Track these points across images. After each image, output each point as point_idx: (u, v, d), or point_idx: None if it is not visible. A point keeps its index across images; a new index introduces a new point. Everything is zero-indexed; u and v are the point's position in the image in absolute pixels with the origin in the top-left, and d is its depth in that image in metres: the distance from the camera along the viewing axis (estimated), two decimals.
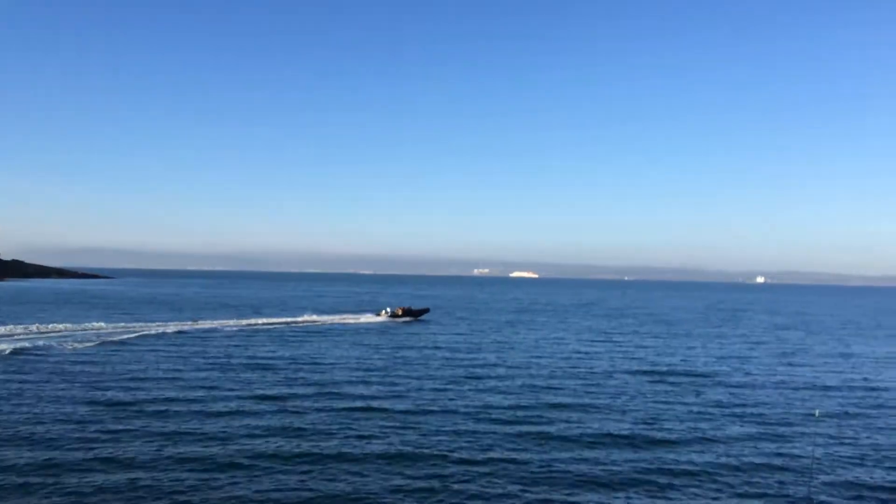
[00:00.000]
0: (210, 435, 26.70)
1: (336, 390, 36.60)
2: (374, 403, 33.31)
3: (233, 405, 32.18)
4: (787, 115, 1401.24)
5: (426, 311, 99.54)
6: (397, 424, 29.11)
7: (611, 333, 75.34)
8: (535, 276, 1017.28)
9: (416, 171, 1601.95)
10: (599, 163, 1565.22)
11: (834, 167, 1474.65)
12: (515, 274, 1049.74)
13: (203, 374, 40.58)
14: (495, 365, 47.53)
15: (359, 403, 33.21)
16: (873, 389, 41.14)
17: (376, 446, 25.68)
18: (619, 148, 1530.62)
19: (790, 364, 52.17)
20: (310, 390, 36.44)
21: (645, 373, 45.22)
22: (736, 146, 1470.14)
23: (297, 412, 31.03)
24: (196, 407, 31.64)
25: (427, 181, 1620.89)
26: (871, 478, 23.50)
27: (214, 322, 75.30)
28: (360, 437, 26.86)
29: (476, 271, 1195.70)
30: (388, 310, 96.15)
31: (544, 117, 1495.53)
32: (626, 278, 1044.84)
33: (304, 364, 45.78)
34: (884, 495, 21.71)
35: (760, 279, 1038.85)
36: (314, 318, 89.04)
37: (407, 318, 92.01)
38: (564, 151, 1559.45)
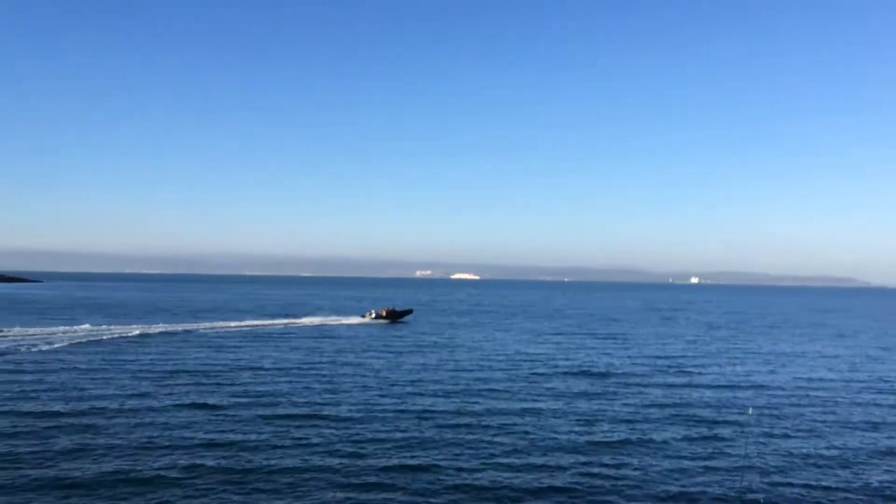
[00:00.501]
0: (140, 446, 25.69)
1: (279, 397, 35.82)
2: (321, 410, 32.72)
3: (165, 414, 31.10)
4: (720, 116, 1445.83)
5: (409, 312, 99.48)
6: (337, 431, 28.61)
7: (552, 334, 76.20)
8: (476, 277, 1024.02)
9: (358, 172, 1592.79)
10: (538, 164, 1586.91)
11: (766, 170, 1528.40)
12: (457, 275, 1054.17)
13: (135, 382, 39.07)
14: (438, 367, 47.35)
15: (303, 410, 32.60)
16: (803, 386, 42.56)
17: (317, 456, 25.19)
18: (556, 150, 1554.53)
19: (724, 363, 53.60)
20: (248, 398, 35.48)
21: (584, 374, 45.71)
22: (669, 149, 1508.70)
23: (232, 420, 30.20)
24: (126, 417, 30.35)
25: (369, 183, 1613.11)
26: (802, 473, 24.17)
27: (158, 326, 73.03)
28: (301, 446, 26.32)
29: (419, 273, 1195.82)
30: (373, 312, 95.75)
31: (484, 119, 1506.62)
32: (566, 279, 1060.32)
33: (250, 369, 44.62)
34: (816, 493, 22.37)
35: (694, 279, 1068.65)
36: (301, 320, 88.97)
37: (389, 320, 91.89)
38: (503, 153, 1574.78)
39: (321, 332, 72.35)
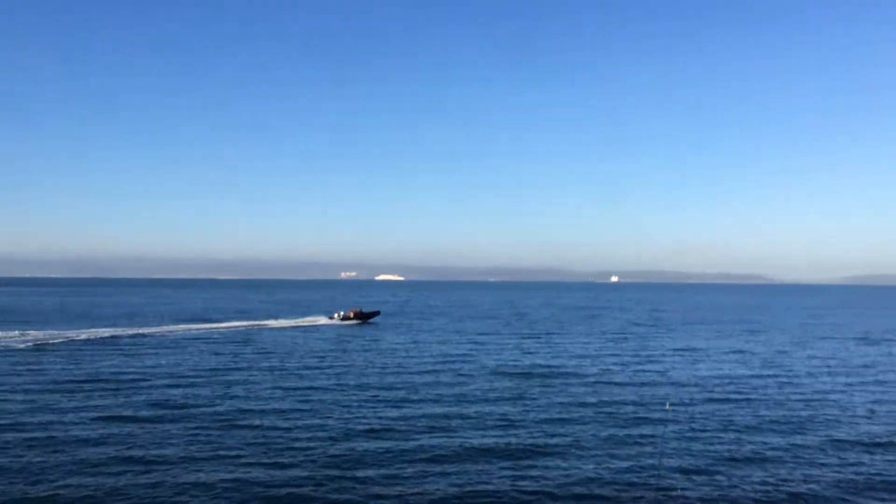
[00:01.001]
0: (39, 468, 24.02)
1: (199, 406, 34.28)
2: (239, 419, 31.48)
3: (71, 429, 29.27)
4: (637, 119, 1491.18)
5: (377, 313, 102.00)
6: (257, 440, 27.61)
7: (476, 335, 76.27)
8: (401, 278, 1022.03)
9: (281, 172, 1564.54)
10: (462, 164, 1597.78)
11: (678, 173, 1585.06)
12: (381, 277, 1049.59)
13: (37, 395, 36.74)
14: (364, 370, 46.56)
15: (224, 419, 31.28)
16: (718, 381, 43.88)
17: (238, 468, 24.12)
18: (480, 148, 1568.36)
19: (644, 360, 54.91)
20: (164, 409, 33.86)
21: (507, 374, 45.76)
22: (588, 151, 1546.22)
23: (148, 433, 28.67)
24: (22, 433, 28.39)
25: (293, 184, 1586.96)
26: (716, 465, 24.75)
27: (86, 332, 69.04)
28: (219, 458, 25.16)
29: (343, 274, 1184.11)
30: (342, 312, 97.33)
31: (404, 119, 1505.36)
32: (490, 279, 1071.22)
33: (171, 377, 42.66)
34: (735, 492, 22.81)
35: (614, 278, 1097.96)
36: (268, 322, 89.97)
37: (358, 321, 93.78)
38: (426, 153, 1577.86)
39: (263, 335, 70.15)
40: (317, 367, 48.18)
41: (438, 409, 34.02)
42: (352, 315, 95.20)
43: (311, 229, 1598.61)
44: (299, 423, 30.79)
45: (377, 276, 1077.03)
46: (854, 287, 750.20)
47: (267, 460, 24.88)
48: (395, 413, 33.00)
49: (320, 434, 28.70)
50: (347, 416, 32.29)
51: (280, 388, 39.84)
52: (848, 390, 41.22)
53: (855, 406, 36.30)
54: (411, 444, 27.35)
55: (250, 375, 44.25)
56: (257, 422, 30.84)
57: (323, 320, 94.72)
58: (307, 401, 35.94)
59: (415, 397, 37.15)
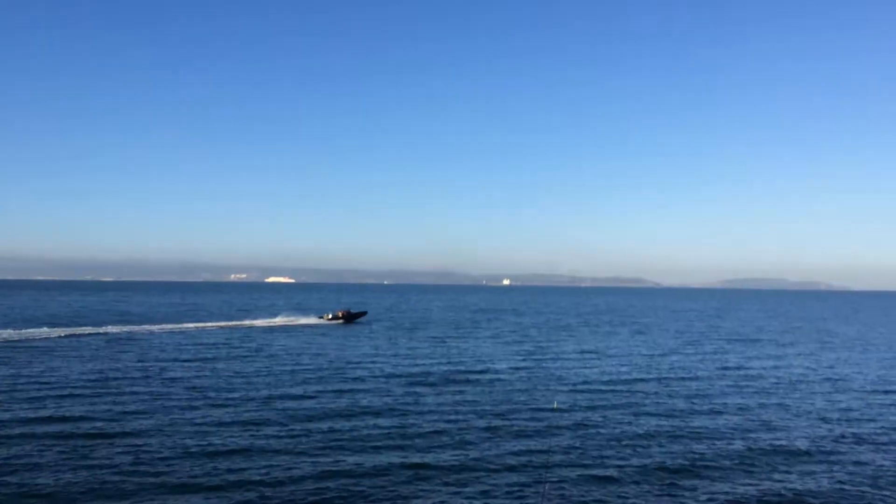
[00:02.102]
0: None
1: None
2: (109, 427, 29.70)
3: None
4: (530, 124, 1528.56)
5: (364, 314, 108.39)
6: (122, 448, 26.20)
7: (371, 337, 75.64)
8: (292, 280, 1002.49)
9: (168, 171, 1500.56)
10: (356, 166, 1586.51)
11: (565, 180, 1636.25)
12: (272, 279, 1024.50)
13: None
14: (253, 376, 45.25)
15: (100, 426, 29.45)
16: (605, 380, 45.78)
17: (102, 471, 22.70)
18: (373, 150, 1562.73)
19: (534, 360, 56.57)
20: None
21: (400, 376, 45.84)
22: (483, 155, 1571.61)
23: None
24: None
25: (181, 184, 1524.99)
26: (600, 460, 25.86)
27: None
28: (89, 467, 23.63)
29: (233, 276, 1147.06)
30: (330, 314, 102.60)
31: (302, 118, 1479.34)
32: (385, 282, 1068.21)
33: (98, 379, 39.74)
34: (610, 475, 24.09)
35: (506, 281, 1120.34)
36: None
37: (346, 321, 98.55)
38: (320, 153, 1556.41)
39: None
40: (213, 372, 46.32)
41: (324, 424, 33.69)
42: (340, 315, 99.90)
43: (199, 230, 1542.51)
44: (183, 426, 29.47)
45: (267, 278, 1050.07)
46: (730, 290, 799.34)
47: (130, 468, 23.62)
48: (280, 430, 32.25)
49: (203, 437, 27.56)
50: (256, 413, 31.21)
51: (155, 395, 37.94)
52: (726, 388, 43.82)
53: (726, 401, 38.71)
54: (302, 460, 26.91)
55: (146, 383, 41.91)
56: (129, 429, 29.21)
57: (313, 320, 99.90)
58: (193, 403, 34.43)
59: (310, 401, 36.62)
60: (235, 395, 38.21)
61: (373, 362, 53.58)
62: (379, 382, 43.60)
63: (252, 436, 28.70)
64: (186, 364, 50.45)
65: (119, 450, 26.20)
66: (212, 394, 38.36)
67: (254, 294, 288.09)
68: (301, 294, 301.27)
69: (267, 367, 49.30)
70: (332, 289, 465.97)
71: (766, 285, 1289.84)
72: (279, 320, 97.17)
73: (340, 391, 39.91)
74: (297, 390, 39.96)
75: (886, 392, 43.23)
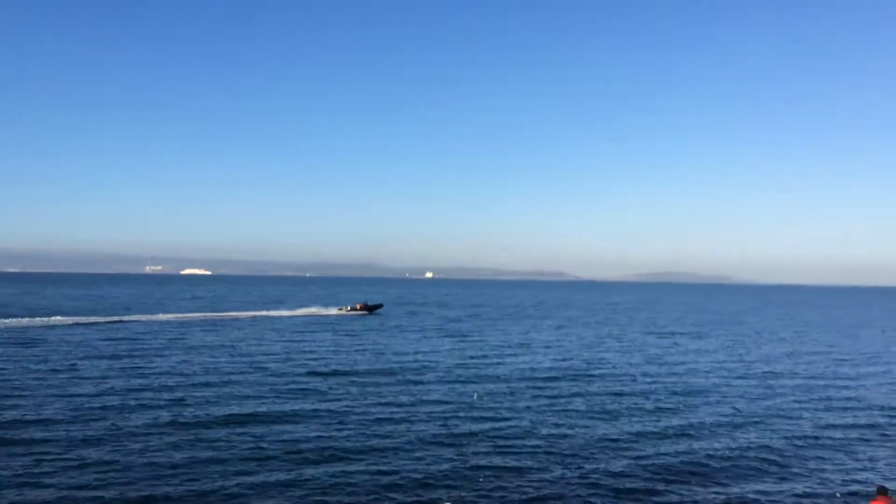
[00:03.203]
0: None
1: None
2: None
3: None
4: (455, 121, 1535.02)
5: (381, 306, 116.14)
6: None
7: (292, 332, 73.86)
8: (208, 272, 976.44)
9: (78, 161, 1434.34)
10: (278, 156, 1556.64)
11: (490, 175, 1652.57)
12: (187, 271, 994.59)
13: None
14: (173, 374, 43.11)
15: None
16: (527, 372, 46.22)
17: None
18: (297, 140, 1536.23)
19: (457, 352, 56.63)
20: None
21: (317, 374, 44.47)
22: (406, 148, 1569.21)
23: None
24: None
25: (92, 173, 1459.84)
26: (517, 449, 26.09)
27: None
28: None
29: (148, 268, 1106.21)
30: (349, 306, 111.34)
31: (222, 111, 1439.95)
32: (307, 275, 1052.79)
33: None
34: (529, 475, 24.22)
35: (429, 274, 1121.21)
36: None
37: (364, 312, 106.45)
38: (235, 144, 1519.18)
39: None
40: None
41: (236, 409, 32.91)
42: (358, 307, 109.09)
43: (113, 221, 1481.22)
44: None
45: (183, 270, 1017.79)
46: (647, 284, 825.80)
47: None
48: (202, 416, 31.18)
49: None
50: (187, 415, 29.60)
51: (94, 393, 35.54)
52: (645, 379, 44.95)
53: (645, 390, 39.72)
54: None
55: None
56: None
57: (334, 311, 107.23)
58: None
59: (237, 399, 35.42)
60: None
61: (286, 358, 52.17)
62: (291, 381, 42.58)
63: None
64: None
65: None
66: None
67: (167, 285, 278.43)
68: (222, 286, 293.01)
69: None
70: (253, 281, 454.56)
71: (679, 279, 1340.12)
72: (301, 311, 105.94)
73: (254, 382, 38.75)
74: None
75: (786, 376, 45.17)
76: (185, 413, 31.28)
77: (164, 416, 30.52)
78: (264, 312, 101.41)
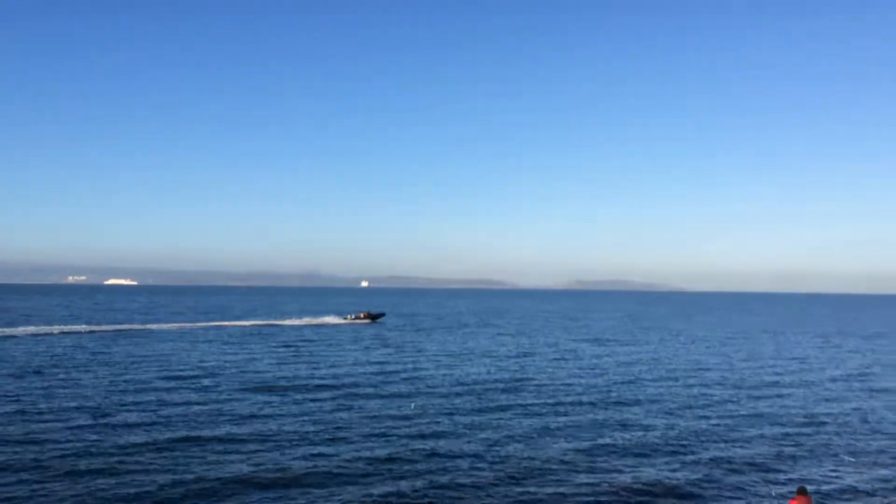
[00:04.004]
0: None
1: None
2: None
3: None
4: (383, 124, 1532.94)
5: (383, 315, 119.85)
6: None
7: (224, 344, 71.91)
8: (134, 283, 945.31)
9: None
10: (208, 163, 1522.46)
11: (426, 182, 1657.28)
12: (112, 281, 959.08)
13: None
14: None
15: None
16: (462, 381, 46.18)
17: None
18: (231, 149, 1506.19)
19: (394, 362, 56.09)
20: None
21: (261, 389, 43.05)
22: (341, 154, 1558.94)
23: None
24: None
25: (3, 178, 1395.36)
26: (458, 466, 25.81)
27: None
28: None
29: (71, 278, 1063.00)
30: (352, 315, 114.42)
31: (129, 109, 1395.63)
32: (244, 284, 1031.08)
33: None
34: (469, 489, 24.01)
35: (364, 283, 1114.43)
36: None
37: (367, 321, 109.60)
38: (166, 146, 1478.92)
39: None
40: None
41: (166, 434, 31.57)
42: (362, 315, 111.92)
43: (30, 229, 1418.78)
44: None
45: (107, 280, 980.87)
46: (583, 291, 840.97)
47: None
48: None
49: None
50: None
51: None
52: (583, 385, 45.40)
53: (581, 398, 40.03)
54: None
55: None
56: None
57: (338, 320, 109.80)
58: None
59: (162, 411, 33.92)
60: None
61: (224, 370, 50.60)
62: (231, 396, 41.34)
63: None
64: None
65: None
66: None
67: (91, 297, 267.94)
68: (152, 296, 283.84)
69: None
70: (187, 291, 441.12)
71: (613, 287, 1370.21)
72: (306, 320, 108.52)
73: (192, 402, 37.44)
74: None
75: (712, 378, 46.36)
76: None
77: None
78: (215, 323, 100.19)
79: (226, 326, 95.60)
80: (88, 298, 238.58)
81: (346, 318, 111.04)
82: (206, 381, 44.43)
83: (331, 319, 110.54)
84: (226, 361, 55.28)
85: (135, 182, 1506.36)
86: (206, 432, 29.96)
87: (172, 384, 42.95)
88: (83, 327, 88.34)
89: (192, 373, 48.19)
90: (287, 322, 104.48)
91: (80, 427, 30.52)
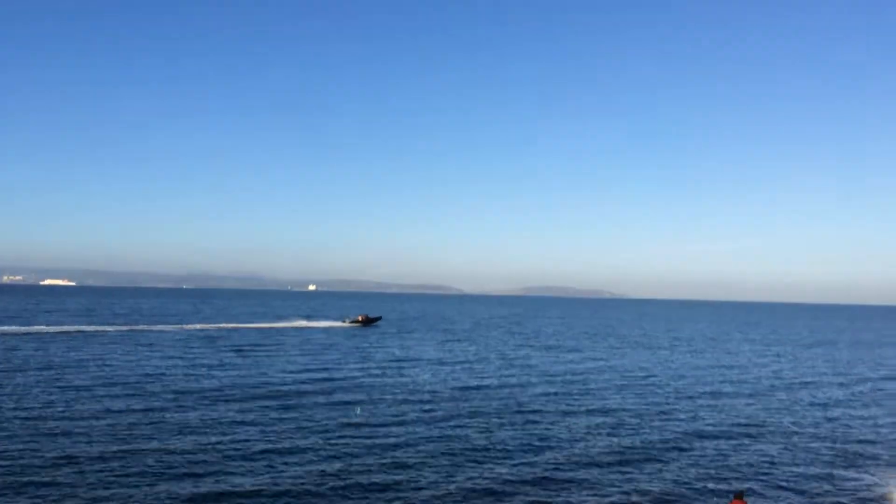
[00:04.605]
0: None
1: None
2: None
3: None
4: (331, 124, 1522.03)
5: (380, 318, 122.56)
6: None
7: (150, 349, 70.03)
8: (72, 283, 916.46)
9: None
10: (149, 161, 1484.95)
11: (378, 185, 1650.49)
12: (48, 282, 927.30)
13: None
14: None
15: None
16: (411, 389, 45.99)
17: None
18: (172, 146, 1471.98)
19: (337, 368, 55.56)
20: None
21: (191, 393, 42.21)
22: (286, 154, 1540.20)
23: None
24: None
25: None
26: (395, 459, 25.67)
27: None
28: None
29: (6, 278, 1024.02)
30: (350, 318, 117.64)
31: (62, 106, 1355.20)
32: (184, 286, 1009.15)
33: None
34: (413, 490, 23.94)
35: (312, 287, 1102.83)
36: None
37: (365, 325, 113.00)
38: (109, 148, 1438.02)
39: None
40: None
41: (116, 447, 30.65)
42: (360, 319, 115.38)
43: None
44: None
45: (43, 280, 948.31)
46: (528, 297, 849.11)
47: None
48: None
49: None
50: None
51: None
52: (525, 390, 45.80)
53: (524, 402, 40.43)
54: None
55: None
56: None
57: (337, 324, 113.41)
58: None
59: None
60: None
61: (166, 375, 49.51)
62: (178, 400, 40.49)
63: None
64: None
65: None
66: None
67: (27, 298, 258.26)
68: (87, 297, 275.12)
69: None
70: (122, 293, 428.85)
71: (559, 293, 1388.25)
72: (304, 323, 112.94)
73: (126, 409, 36.30)
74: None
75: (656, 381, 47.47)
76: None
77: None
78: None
79: (186, 329, 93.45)
80: (26, 299, 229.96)
81: (343, 322, 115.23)
82: (144, 388, 43.06)
83: (329, 323, 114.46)
84: (171, 367, 54.07)
85: (73, 181, 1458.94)
86: (139, 444, 28.56)
87: (106, 391, 41.39)
88: (17, 328, 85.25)
89: (128, 379, 46.58)
90: (292, 324, 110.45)
91: (8, 436, 29.34)
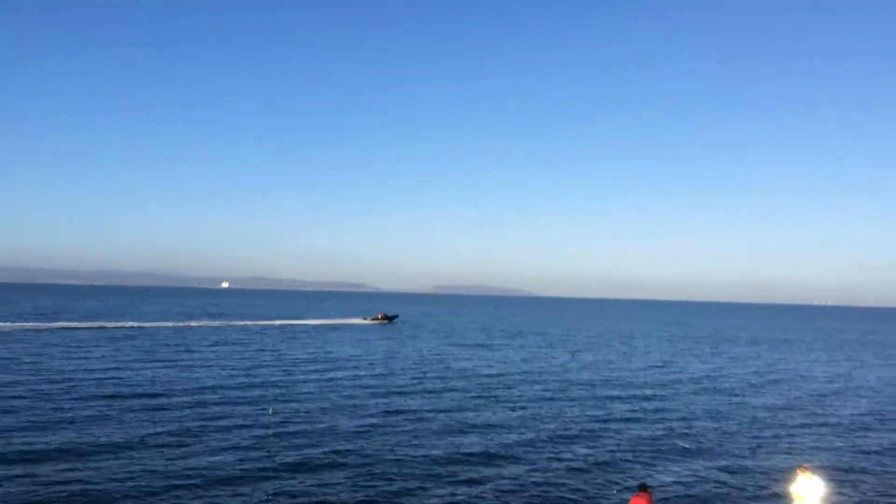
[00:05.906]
0: None
1: None
2: None
3: None
4: (245, 125, 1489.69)
5: (396, 316, 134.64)
6: None
7: (72, 347, 66.71)
8: None
9: None
10: (52, 155, 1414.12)
11: (294, 183, 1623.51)
12: None
13: None
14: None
15: None
16: (324, 386, 45.56)
17: None
18: (76, 141, 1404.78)
19: (252, 366, 54.48)
20: None
21: (127, 396, 40.36)
22: (206, 152, 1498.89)
23: None
24: None
25: None
26: (313, 461, 25.49)
27: None
28: None
29: None
30: (370, 316, 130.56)
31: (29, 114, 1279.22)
32: (95, 283, 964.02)
33: None
34: (336, 485, 23.68)
35: (225, 284, 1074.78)
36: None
37: (385, 322, 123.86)
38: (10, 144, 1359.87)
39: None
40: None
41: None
42: (380, 317, 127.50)
43: None
44: None
45: None
46: (442, 296, 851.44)
47: None
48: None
49: None
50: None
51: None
52: (441, 388, 46.08)
53: (438, 401, 40.72)
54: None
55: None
56: None
57: (358, 320, 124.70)
58: None
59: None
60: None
61: (88, 378, 47.03)
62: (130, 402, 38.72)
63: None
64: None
65: None
66: None
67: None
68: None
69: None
70: (19, 289, 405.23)
71: (472, 291, 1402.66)
72: (329, 321, 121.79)
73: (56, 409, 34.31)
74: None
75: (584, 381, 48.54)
76: None
77: None
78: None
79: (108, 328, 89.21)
80: None
81: (365, 319, 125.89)
82: (51, 388, 41.08)
83: (355, 321, 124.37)
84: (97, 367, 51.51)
85: None
86: (42, 444, 27.48)
87: (14, 391, 39.30)
88: None
89: (37, 378, 44.44)
90: (311, 322, 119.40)
91: None
